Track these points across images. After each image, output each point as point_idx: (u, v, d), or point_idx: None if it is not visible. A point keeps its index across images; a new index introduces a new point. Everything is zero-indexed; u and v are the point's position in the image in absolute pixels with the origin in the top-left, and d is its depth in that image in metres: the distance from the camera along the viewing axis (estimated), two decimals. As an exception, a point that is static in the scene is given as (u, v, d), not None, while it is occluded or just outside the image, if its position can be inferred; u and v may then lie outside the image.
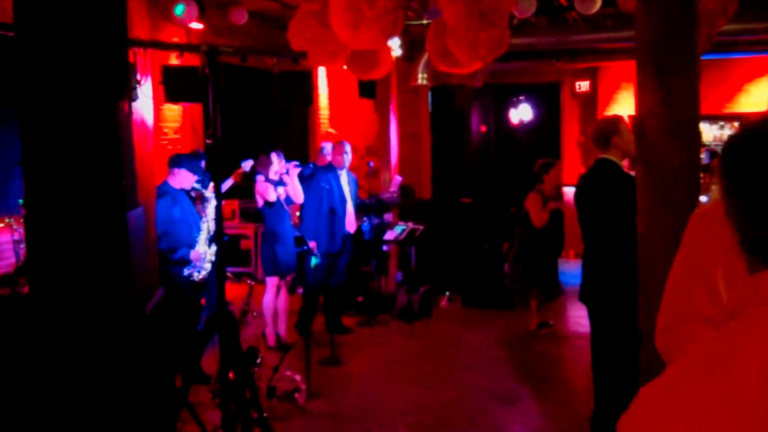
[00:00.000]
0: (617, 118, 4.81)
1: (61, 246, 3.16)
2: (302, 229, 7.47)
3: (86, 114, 3.18)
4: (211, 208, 6.12)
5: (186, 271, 5.90)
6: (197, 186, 6.22)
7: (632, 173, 4.28)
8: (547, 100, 13.82)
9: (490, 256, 9.01)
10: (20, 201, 4.25)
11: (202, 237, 6.05)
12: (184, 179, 5.97)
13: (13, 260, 5.12)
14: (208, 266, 6.02)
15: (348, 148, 7.87)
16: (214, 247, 6.10)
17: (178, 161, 6.03)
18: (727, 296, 1.71)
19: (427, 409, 5.59)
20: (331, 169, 7.72)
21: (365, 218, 8.84)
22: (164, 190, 5.91)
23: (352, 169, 8.33)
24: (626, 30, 8.04)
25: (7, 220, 5.20)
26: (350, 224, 7.81)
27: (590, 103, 13.45)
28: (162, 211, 5.77)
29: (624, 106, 12.76)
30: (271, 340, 6.98)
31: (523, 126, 13.92)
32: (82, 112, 3.17)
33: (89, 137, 3.19)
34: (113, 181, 3.29)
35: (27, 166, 3.15)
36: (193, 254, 5.93)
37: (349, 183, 7.94)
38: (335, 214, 7.45)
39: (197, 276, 5.95)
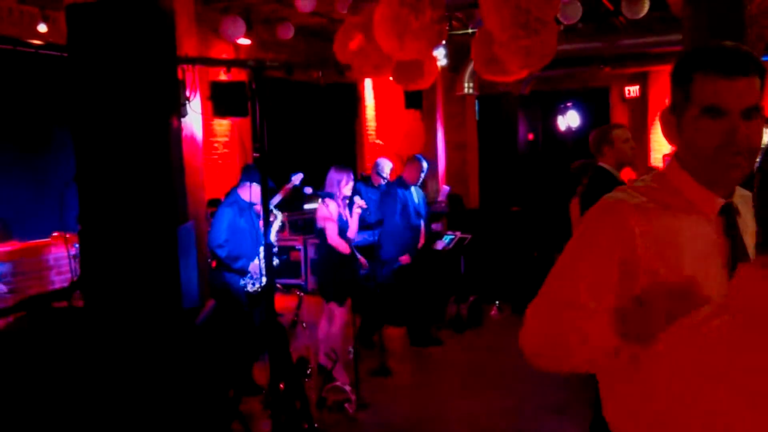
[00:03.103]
0: (612, 127, 4.78)
1: (113, 260, 3.24)
2: (383, 242, 7.44)
3: (137, 131, 3.25)
4: (276, 224, 6.21)
5: (242, 281, 5.99)
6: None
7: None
8: (596, 106, 13.67)
9: (540, 264, 8.92)
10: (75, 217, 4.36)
11: (262, 249, 6.14)
12: (254, 193, 5.95)
13: (69, 275, 5.25)
14: (263, 279, 6.10)
15: (426, 165, 7.74)
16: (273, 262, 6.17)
17: (253, 175, 5.92)
18: (616, 290, 1.58)
19: (478, 420, 5.55)
20: (403, 184, 7.64)
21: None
22: (234, 199, 5.99)
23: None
24: (674, 33, 7.93)
25: (61, 235, 5.35)
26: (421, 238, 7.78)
27: (640, 108, 13.27)
28: (228, 219, 5.84)
29: (675, 110, 12.54)
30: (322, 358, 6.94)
31: (571, 133, 13.78)
32: (133, 129, 3.24)
33: (140, 154, 3.26)
34: (164, 196, 3.36)
35: (81, 182, 3.23)
36: (252, 266, 6.02)
37: (419, 198, 7.87)
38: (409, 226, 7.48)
39: (251, 288, 6.03)
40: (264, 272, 6.10)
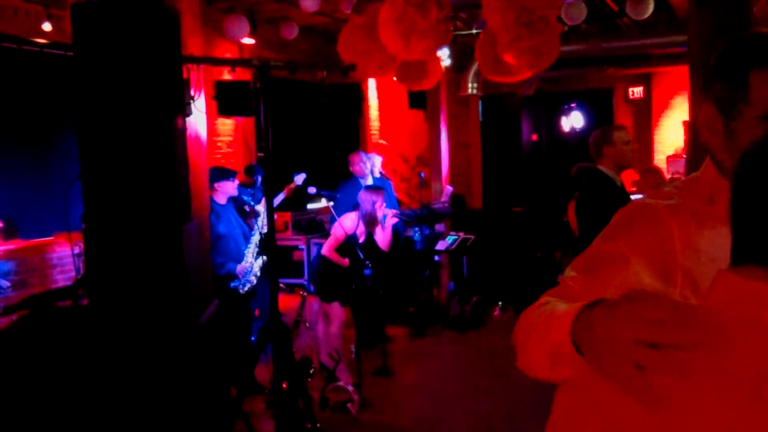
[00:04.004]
0: (613, 128, 4.71)
1: (118, 259, 3.24)
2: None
3: (142, 130, 3.25)
4: (261, 221, 6.20)
5: (232, 285, 5.96)
6: (246, 198, 6.30)
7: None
8: (600, 107, 13.66)
9: (543, 265, 8.91)
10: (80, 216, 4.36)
11: (250, 250, 6.11)
12: (225, 190, 6.02)
13: (72, 273, 5.25)
14: (253, 279, 6.09)
15: (364, 156, 7.79)
16: (260, 260, 6.16)
17: (212, 176, 6.03)
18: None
19: (480, 420, 5.55)
20: (354, 180, 7.66)
21: (416, 228, 8.84)
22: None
23: (402, 179, 8.32)
24: (679, 34, 7.92)
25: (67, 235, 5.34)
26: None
27: (644, 109, 13.25)
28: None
29: (680, 111, 12.54)
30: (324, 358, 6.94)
31: (575, 133, 13.77)
32: (138, 129, 3.24)
33: (145, 153, 3.26)
34: (169, 196, 3.36)
35: (85, 181, 3.23)
36: (239, 268, 5.98)
37: None
38: None
39: (242, 289, 6.02)
40: (253, 271, 6.12)
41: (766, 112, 1.27)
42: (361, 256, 6.51)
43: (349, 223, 6.30)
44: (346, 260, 6.26)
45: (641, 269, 1.31)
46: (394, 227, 7.43)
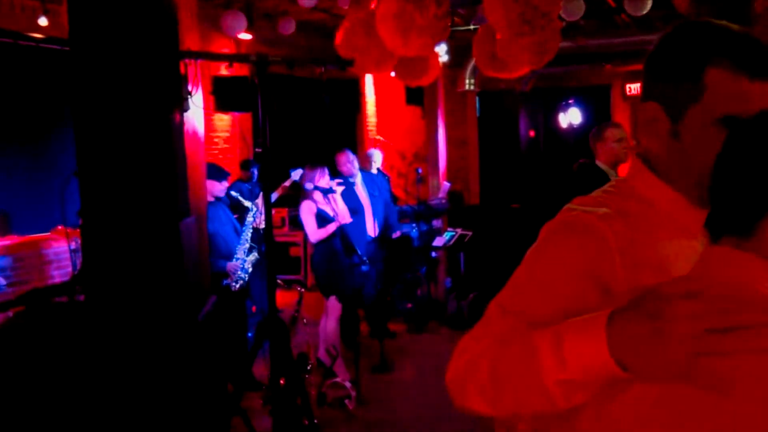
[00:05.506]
0: (607, 125, 4.86)
1: (115, 254, 3.23)
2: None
3: (139, 125, 3.24)
4: (249, 217, 6.18)
5: (224, 282, 5.94)
6: (234, 194, 6.29)
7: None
8: (598, 104, 13.66)
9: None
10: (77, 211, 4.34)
11: (242, 247, 6.08)
12: (211, 189, 5.94)
13: (69, 269, 5.23)
14: (245, 275, 6.07)
15: (351, 155, 7.77)
16: (252, 255, 6.14)
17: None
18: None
19: (478, 417, 5.54)
20: (343, 179, 7.64)
21: (414, 225, 8.83)
22: None
23: (399, 176, 8.30)
24: (678, 31, 7.89)
25: (64, 230, 5.32)
26: (369, 230, 7.71)
27: (642, 105, 13.26)
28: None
29: (677, 108, 12.53)
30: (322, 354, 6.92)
31: (572, 130, 13.77)
32: (135, 124, 3.23)
33: (142, 148, 3.25)
34: (166, 191, 3.35)
35: (82, 176, 3.22)
36: (230, 266, 5.95)
37: (372, 187, 7.84)
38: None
39: (235, 285, 6.00)
40: (247, 267, 6.11)
41: (725, 115, 1.15)
42: (360, 252, 6.51)
43: (308, 209, 6.40)
44: (331, 226, 6.35)
45: (584, 290, 1.20)
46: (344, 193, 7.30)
